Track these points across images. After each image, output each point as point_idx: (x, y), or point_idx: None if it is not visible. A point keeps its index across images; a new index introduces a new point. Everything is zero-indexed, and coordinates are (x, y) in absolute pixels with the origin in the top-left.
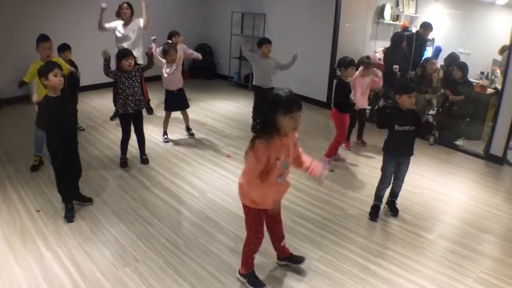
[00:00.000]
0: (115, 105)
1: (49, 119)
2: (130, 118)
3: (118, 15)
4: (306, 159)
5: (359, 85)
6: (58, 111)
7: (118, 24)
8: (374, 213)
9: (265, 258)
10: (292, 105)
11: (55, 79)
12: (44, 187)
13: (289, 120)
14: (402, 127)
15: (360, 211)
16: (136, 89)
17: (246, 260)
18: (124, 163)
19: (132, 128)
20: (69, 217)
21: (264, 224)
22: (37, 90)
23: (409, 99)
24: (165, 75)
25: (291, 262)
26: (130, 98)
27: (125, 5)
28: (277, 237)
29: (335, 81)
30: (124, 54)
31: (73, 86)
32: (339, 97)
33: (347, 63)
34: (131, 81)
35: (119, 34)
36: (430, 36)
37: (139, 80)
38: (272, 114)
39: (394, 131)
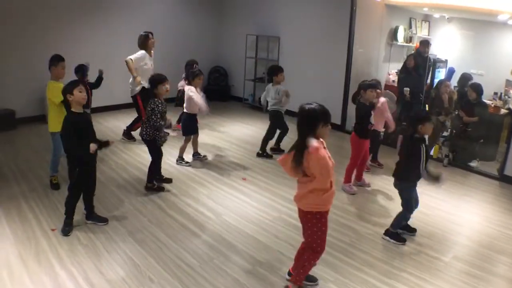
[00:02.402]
0: (132, 126)
1: (76, 134)
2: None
3: (145, 45)
4: None
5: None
6: (84, 126)
7: (143, 56)
8: (399, 238)
9: (273, 275)
10: (328, 115)
11: (80, 95)
12: (59, 205)
13: (325, 128)
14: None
15: (375, 233)
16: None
17: (301, 276)
18: (159, 187)
19: (146, 150)
20: (66, 231)
21: None
22: (51, 114)
23: (431, 126)
24: (200, 101)
25: None
26: (161, 128)
27: (151, 34)
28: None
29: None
30: (161, 79)
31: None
32: (358, 119)
33: (366, 85)
34: (164, 112)
35: (146, 67)
36: (443, 58)
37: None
38: (312, 125)
39: (420, 158)
